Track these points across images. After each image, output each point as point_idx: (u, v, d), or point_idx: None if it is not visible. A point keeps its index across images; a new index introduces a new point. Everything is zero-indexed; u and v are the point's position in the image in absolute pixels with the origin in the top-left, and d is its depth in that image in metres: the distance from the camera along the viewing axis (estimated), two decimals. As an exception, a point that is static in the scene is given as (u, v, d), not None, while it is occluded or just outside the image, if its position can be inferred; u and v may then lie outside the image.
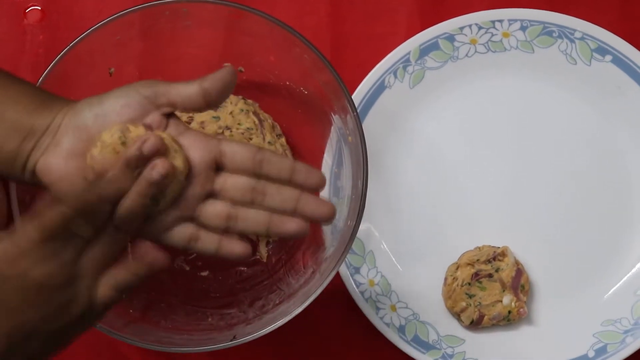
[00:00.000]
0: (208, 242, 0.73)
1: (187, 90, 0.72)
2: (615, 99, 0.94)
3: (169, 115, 0.73)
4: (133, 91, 0.72)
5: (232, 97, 0.91)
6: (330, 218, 0.74)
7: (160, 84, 0.72)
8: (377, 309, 0.92)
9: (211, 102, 0.73)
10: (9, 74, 0.75)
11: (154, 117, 0.72)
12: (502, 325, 0.93)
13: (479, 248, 0.93)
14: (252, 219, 0.73)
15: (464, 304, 0.92)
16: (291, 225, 0.73)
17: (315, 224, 0.86)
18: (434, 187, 0.94)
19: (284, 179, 0.73)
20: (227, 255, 0.73)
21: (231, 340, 0.82)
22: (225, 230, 0.73)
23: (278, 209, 0.73)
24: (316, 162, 0.91)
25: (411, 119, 0.94)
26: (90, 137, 0.71)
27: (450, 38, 0.93)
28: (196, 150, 0.72)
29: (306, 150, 0.92)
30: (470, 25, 0.93)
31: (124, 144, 0.70)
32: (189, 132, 0.73)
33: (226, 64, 0.73)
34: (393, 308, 0.93)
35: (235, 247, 0.73)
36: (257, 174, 0.73)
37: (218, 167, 0.73)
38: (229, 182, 0.73)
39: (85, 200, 0.67)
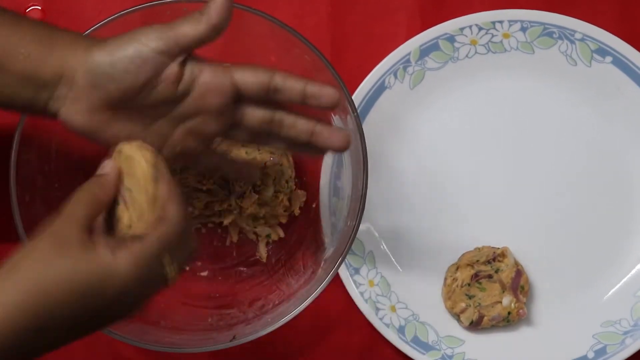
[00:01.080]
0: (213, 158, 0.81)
1: (195, 31, 0.73)
2: (615, 100, 0.94)
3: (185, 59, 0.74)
4: (145, 48, 0.72)
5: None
6: (343, 147, 0.78)
7: (168, 33, 0.73)
8: (377, 309, 0.92)
9: (221, 30, 0.74)
10: (10, 15, 0.74)
11: (169, 72, 0.73)
12: (501, 326, 0.93)
13: (479, 249, 0.93)
14: (273, 142, 0.79)
15: (463, 304, 0.92)
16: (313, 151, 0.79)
17: (316, 225, 0.86)
18: (434, 188, 0.94)
19: (298, 101, 0.76)
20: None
21: (231, 341, 0.82)
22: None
23: (294, 139, 0.78)
24: (316, 163, 0.92)
25: (411, 119, 0.94)
26: (108, 96, 0.72)
27: (451, 39, 0.93)
28: (214, 95, 0.74)
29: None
30: (470, 26, 0.93)
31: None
32: (203, 73, 0.74)
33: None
34: (393, 308, 0.93)
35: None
36: (273, 98, 0.76)
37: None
38: (248, 115, 0.77)
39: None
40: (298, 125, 0.77)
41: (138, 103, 0.73)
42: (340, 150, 0.79)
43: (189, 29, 0.73)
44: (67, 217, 0.67)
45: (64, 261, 0.65)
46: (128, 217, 0.70)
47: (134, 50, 0.72)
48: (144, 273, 0.67)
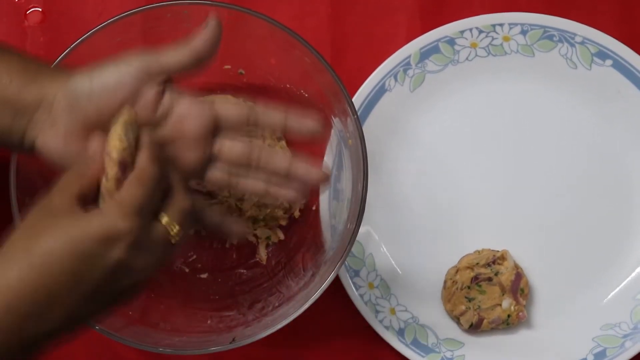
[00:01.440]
0: (214, 215, 0.78)
1: (178, 56, 0.74)
2: (615, 103, 0.94)
3: (165, 83, 0.74)
4: (125, 68, 0.72)
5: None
6: (320, 182, 0.78)
7: (150, 57, 0.73)
8: (377, 312, 0.92)
9: (204, 60, 0.74)
10: None
11: (148, 93, 0.73)
12: (501, 328, 0.93)
13: (479, 252, 0.93)
14: (251, 184, 0.77)
15: (463, 307, 0.92)
16: (287, 192, 0.77)
17: (316, 227, 0.86)
18: (434, 191, 0.94)
19: (278, 131, 0.78)
20: (226, 232, 0.78)
21: (230, 343, 0.82)
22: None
23: (272, 174, 0.77)
24: (316, 165, 0.91)
25: (411, 122, 0.95)
26: (85, 118, 0.72)
27: (451, 41, 0.93)
28: (193, 120, 0.74)
29: (306, 153, 0.92)
30: (470, 29, 0.93)
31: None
32: (182, 100, 0.74)
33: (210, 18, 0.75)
34: (392, 311, 0.93)
35: (234, 226, 0.78)
36: (251, 129, 0.76)
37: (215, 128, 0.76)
38: (226, 147, 0.76)
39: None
40: (275, 160, 0.76)
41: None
42: (318, 187, 0.79)
43: (172, 53, 0.74)
44: (58, 190, 0.68)
45: (55, 232, 0.66)
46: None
47: (112, 69, 0.72)
48: (136, 224, 0.67)
